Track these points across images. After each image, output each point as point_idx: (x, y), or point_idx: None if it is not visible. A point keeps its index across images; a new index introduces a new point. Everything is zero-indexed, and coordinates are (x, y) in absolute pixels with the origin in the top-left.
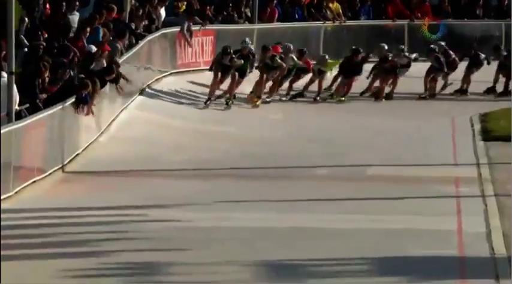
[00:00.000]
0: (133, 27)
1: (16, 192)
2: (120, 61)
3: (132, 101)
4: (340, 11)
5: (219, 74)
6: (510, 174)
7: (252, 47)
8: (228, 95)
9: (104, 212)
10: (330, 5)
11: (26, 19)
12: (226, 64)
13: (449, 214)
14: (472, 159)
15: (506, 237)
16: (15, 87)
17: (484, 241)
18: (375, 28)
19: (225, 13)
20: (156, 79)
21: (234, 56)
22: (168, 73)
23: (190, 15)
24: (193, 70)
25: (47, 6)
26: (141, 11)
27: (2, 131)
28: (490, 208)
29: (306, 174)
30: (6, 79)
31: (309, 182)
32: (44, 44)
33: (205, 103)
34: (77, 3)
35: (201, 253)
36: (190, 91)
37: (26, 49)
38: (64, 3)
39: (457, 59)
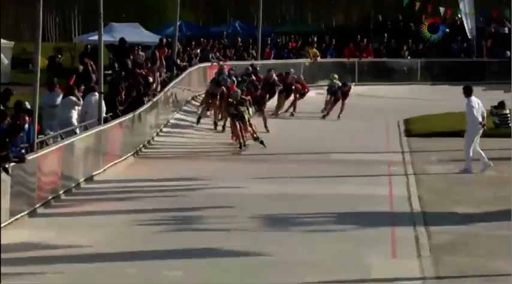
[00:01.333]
0: (178, 62)
1: (104, 170)
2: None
3: (179, 109)
4: (318, 53)
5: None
6: (424, 158)
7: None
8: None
9: (162, 183)
10: (309, 49)
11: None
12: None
13: (384, 184)
14: (398, 148)
15: (421, 199)
16: (103, 102)
17: (406, 202)
18: (336, 63)
19: (238, 53)
20: (193, 97)
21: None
22: (201, 93)
23: (212, 49)
24: None
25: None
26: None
27: (94, 130)
28: (410, 181)
29: (294, 159)
30: (97, 97)
31: (296, 164)
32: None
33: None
34: (140, 47)
35: (226, 210)
36: None
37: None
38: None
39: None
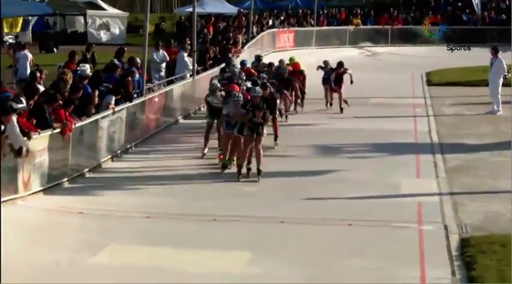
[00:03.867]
0: (254, 29)
1: (198, 109)
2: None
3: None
4: (360, 22)
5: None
6: (441, 102)
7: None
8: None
9: None
10: (354, 20)
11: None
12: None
13: (410, 121)
14: (421, 94)
15: (438, 133)
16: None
17: (427, 135)
18: (373, 29)
19: (299, 22)
20: (264, 55)
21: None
22: (271, 51)
23: (278, 18)
24: (282, 50)
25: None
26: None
27: (189, 80)
28: (430, 119)
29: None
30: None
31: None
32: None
33: None
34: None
35: (291, 140)
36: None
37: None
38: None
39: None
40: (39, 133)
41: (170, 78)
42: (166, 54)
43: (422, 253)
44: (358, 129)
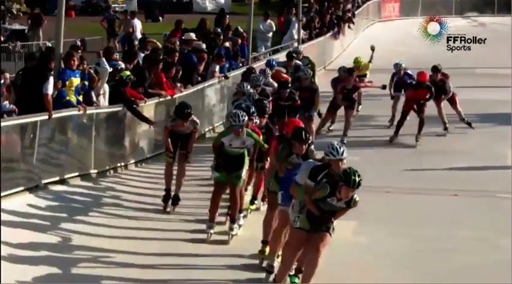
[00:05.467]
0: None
1: None
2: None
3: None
4: None
5: None
6: None
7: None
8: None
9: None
10: None
11: None
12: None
13: (507, 93)
14: None
15: None
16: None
17: None
18: None
19: None
20: (371, 24)
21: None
22: (377, 21)
23: None
24: (388, 20)
25: None
26: None
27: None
28: None
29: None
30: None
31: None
32: None
33: None
34: None
35: None
36: (385, 32)
37: None
38: None
39: None
40: (145, 101)
41: (276, 47)
42: (273, 24)
43: None
44: (463, 99)
